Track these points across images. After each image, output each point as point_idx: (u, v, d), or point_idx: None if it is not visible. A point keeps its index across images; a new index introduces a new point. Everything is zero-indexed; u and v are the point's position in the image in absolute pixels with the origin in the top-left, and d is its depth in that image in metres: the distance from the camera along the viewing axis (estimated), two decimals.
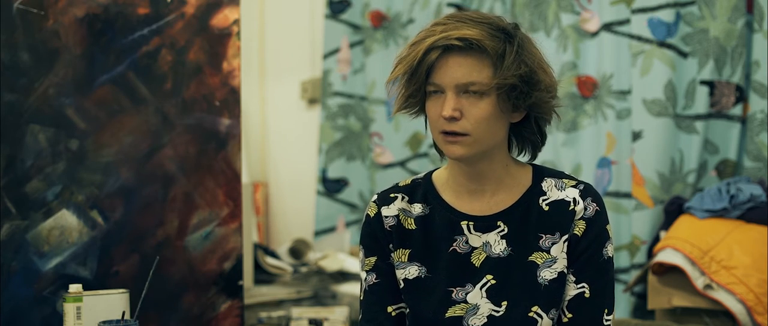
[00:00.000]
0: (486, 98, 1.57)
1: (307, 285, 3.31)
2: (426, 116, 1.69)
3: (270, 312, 3.05)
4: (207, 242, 2.33)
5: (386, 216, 1.70)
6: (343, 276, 3.37)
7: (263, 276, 3.33)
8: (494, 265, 1.64)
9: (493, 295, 1.63)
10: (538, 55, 1.61)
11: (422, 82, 1.59)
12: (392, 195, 1.72)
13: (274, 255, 3.50)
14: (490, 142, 1.60)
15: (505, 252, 1.64)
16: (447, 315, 1.63)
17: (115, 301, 1.97)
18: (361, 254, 1.74)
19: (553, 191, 1.66)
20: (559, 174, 1.69)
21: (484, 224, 1.66)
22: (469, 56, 1.57)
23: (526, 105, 1.60)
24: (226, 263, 2.35)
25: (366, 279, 1.71)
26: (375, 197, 1.73)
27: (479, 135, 1.58)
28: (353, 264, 3.39)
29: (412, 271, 1.67)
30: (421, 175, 1.75)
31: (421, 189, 1.71)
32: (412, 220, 1.69)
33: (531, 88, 1.58)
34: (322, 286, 3.32)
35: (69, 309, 1.93)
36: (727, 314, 2.60)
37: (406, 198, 1.71)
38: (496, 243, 1.65)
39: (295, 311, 3.07)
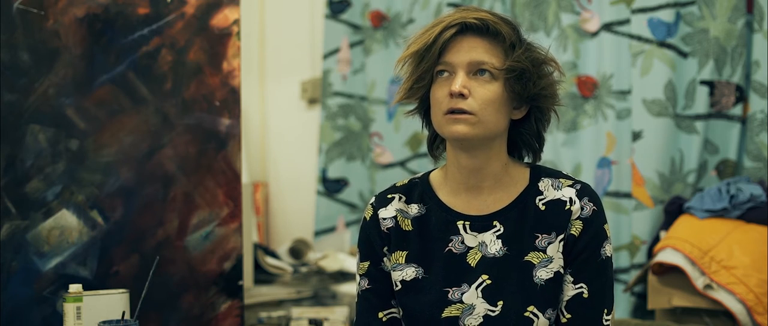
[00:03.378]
0: (495, 82, 1.60)
1: (307, 285, 3.31)
2: (424, 113, 1.70)
3: (270, 312, 3.05)
4: (207, 242, 2.33)
5: (383, 219, 1.70)
6: (343, 276, 3.37)
7: (263, 276, 3.33)
8: (489, 265, 1.64)
9: (488, 295, 1.63)
10: (545, 51, 1.65)
11: (434, 61, 1.60)
12: (389, 196, 1.72)
13: (274, 255, 3.50)
14: (492, 128, 1.61)
15: (501, 252, 1.64)
16: (443, 315, 1.63)
17: (115, 301, 1.97)
18: (357, 257, 1.75)
19: (549, 191, 1.66)
20: (556, 174, 1.69)
21: (480, 224, 1.66)
22: (483, 38, 1.61)
23: (533, 94, 1.62)
24: (226, 263, 2.35)
25: (360, 283, 1.73)
26: (373, 199, 1.74)
27: (484, 116, 1.59)
28: (353, 264, 3.39)
29: (410, 272, 1.67)
30: (418, 175, 1.75)
31: (418, 189, 1.71)
32: (409, 221, 1.69)
33: (539, 77, 1.62)
34: (322, 286, 3.32)
35: (69, 309, 1.94)
36: (727, 314, 2.60)
37: (404, 198, 1.71)
38: (491, 243, 1.65)
39: (295, 311, 3.07)
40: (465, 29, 1.60)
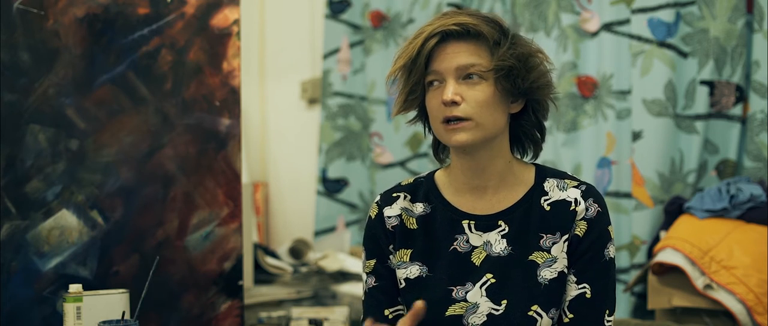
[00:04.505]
0: (484, 82, 1.60)
1: (307, 285, 3.31)
2: (425, 119, 1.71)
3: (270, 312, 3.05)
4: (207, 242, 2.33)
5: (388, 217, 1.71)
6: (343, 276, 3.37)
7: (263, 276, 3.33)
8: (494, 264, 1.65)
9: (492, 294, 1.64)
10: (533, 43, 1.65)
11: (422, 72, 1.61)
12: (395, 194, 1.73)
13: (274, 255, 3.50)
14: (492, 129, 1.61)
15: (506, 252, 1.65)
16: (447, 313, 1.64)
17: (115, 301, 1.97)
18: (362, 255, 1.75)
19: (554, 191, 1.67)
20: (561, 175, 1.70)
21: (485, 223, 1.66)
22: (466, 42, 1.61)
23: (524, 88, 1.62)
24: (226, 263, 2.35)
25: (366, 281, 1.73)
26: (378, 197, 1.74)
27: (481, 119, 1.59)
28: (353, 264, 3.39)
29: (414, 271, 1.68)
30: (423, 174, 1.76)
31: (423, 188, 1.72)
32: (414, 220, 1.70)
33: (528, 70, 1.61)
34: (322, 286, 3.32)
35: (69, 309, 1.93)
36: (727, 314, 2.60)
37: (409, 197, 1.72)
38: (496, 242, 1.66)
39: (295, 311, 3.07)
40: (446, 36, 1.61)
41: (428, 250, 1.68)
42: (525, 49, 1.63)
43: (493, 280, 1.64)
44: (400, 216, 1.70)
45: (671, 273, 2.70)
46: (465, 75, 1.60)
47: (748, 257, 2.59)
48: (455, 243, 1.67)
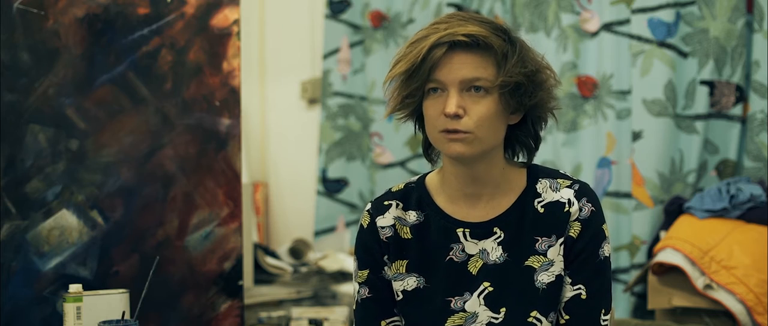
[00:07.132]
0: (488, 97, 1.55)
1: (307, 285, 3.32)
2: (416, 120, 1.65)
3: (270, 312, 3.05)
4: (207, 242, 2.33)
5: (382, 227, 1.67)
6: (343, 276, 3.37)
7: (263, 276, 3.33)
8: (491, 272, 1.62)
9: (491, 302, 1.61)
10: (540, 57, 1.60)
11: (423, 80, 1.55)
12: (386, 203, 1.68)
13: (274, 255, 3.50)
14: (491, 142, 1.58)
15: (502, 259, 1.62)
16: (446, 324, 1.61)
17: (115, 301, 1.97)
18: (354, 264, 1.71)
19: (547, 192, 1.63)
20: (554, 174, 1.66)
21: (480, 231, 1.63)
22: (474, 53, 1.55)
23: (529, 105, 1.58)
24: (226, 263, 2.35)
25: (359, 291, 1.69)
26: (368, 206, 1.69)
27: (481, 134, 1.55)
28: (353, 264, 3.39)
29: (411, 282, 1.65)
30: (413, 179, 1.71)
31: (415, 195, 1.67)
32: (408, 229, 1.66)
33: (535, 88, 1.57)
34: (322, 286, 3.32)
35: (69, 309, 1.94)
36: (727, 314, 2.60)
37: (401, 205, 1.67)
38: (492, 250, 1.62)
39: (295, 311, 3.07)
40: (454, 45, 1.54)
41: (424, 260, 1.64)
42: (533, 65, 1.57)
43: (490, 288, 1.61)
44: (393, 226, 1.66)
45: (671, 273, 2.70)
46: (469, 87, 1.55)
47: (748, 257, 2.59)
48: (451, 253, 1.63)
